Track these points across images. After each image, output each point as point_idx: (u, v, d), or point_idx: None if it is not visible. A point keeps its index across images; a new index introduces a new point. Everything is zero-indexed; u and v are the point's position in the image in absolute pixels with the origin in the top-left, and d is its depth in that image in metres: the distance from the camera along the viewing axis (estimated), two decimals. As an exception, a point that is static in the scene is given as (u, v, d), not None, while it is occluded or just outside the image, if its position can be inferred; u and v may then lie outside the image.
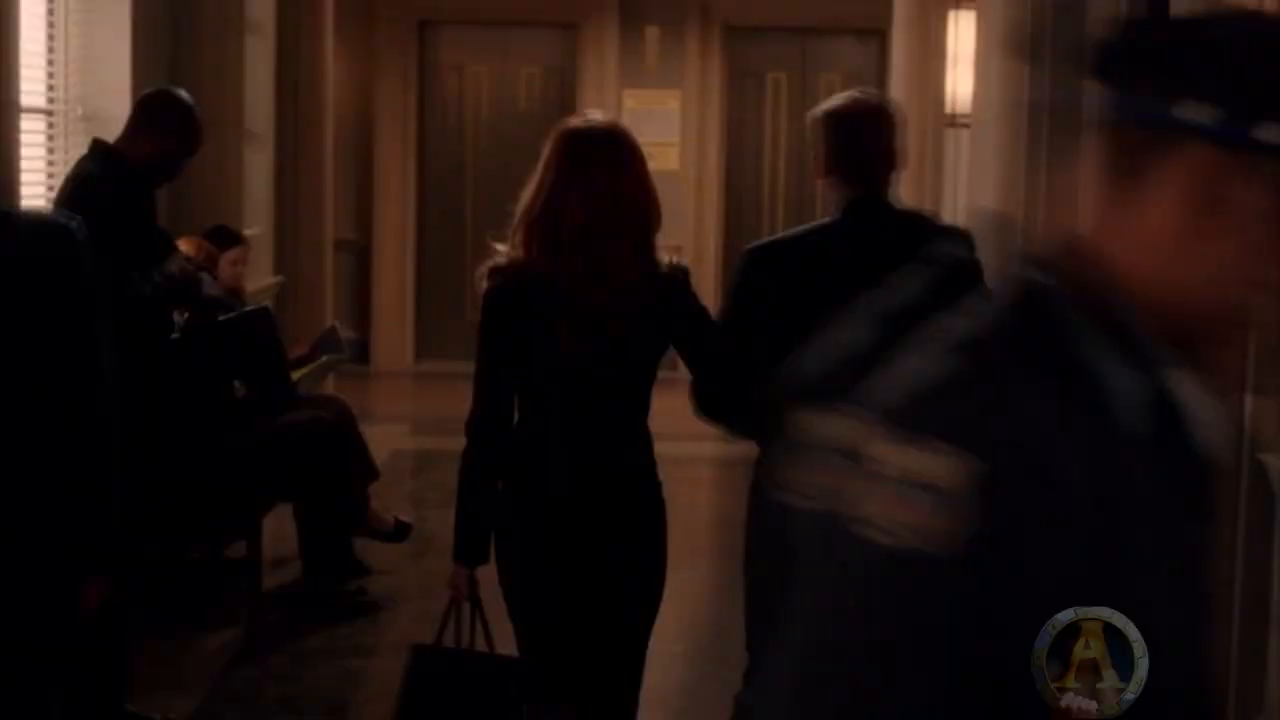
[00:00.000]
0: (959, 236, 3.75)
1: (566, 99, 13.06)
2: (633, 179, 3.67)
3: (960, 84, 8.53)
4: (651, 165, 3.81)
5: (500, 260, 3.67)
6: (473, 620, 3.77)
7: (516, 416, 3.72)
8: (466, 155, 13.25)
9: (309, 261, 9.52)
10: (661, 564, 3.81)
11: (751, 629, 3.79)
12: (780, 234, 4.19)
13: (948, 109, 8.92)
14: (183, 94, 5.71)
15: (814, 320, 1.71)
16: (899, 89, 9.82)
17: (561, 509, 3.66)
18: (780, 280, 3.87)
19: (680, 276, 3.74)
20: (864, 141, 3.88)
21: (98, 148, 5.38)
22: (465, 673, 3.77)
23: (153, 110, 5.47)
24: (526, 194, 3.65)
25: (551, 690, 3.75)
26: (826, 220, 3.96)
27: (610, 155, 3.66)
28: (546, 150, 3.67)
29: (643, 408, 3.76)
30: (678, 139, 12.58)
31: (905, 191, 9.70)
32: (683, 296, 3.73)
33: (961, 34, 8.58)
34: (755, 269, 3.93)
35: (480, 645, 3.78)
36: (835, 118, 3.93)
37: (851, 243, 3.80)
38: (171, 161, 5.44)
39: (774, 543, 1.53)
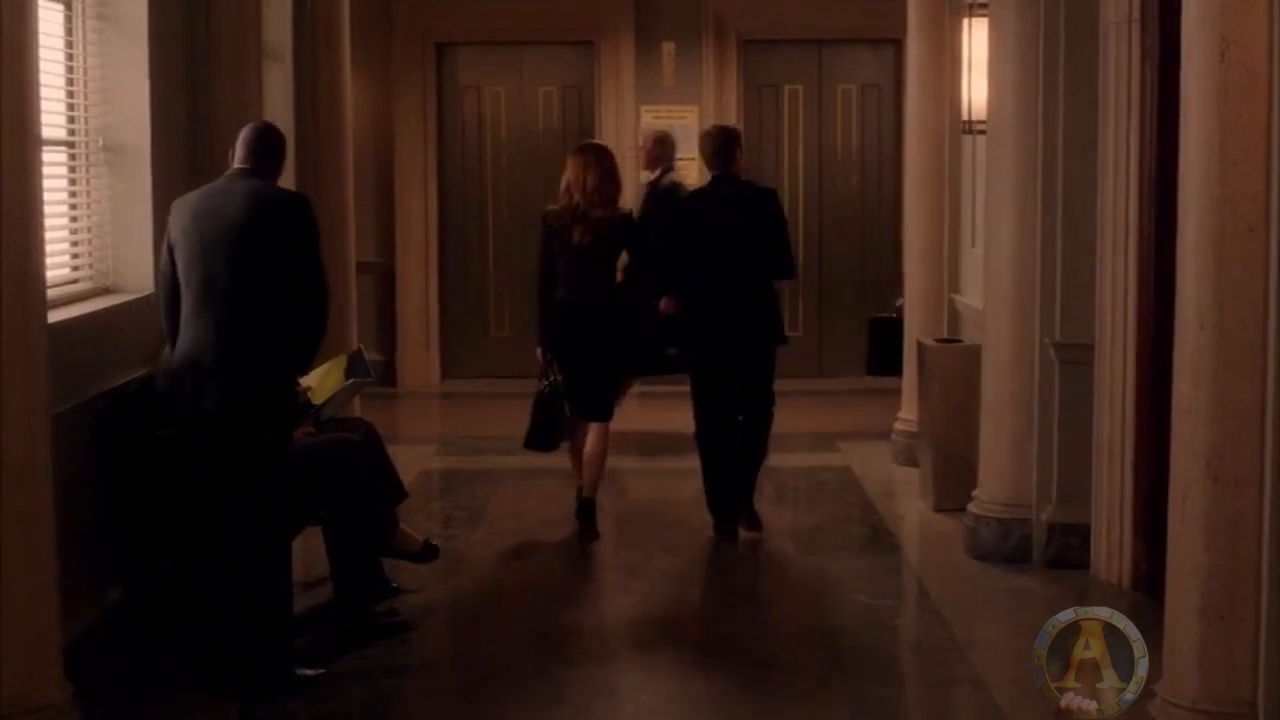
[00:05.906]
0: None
1: (585, 116, 13.11)
2: (608, 168, 8.04)
3: (976, 90, 8.54)
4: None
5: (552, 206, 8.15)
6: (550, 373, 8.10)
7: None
8: (486, 174, 13.30)
9: (332, 285, 9.52)
10: (627, 341, 8.07)
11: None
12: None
13: (964, 115, 8.92)
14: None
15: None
16: (915, 96, 9.84)
17: (576, 314, 7.97)
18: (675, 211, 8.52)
19: (631, 217, 8.17)
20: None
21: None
22: (555, 397, 8.06)
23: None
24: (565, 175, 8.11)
25: (576, 403, 8.06)
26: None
27: (595, 156, 8.09)
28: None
29: (613, 272, 8.02)
30: (696, 153, 12.58)
31: (923, 195, 9.75)
32: (629, 225, 8.10)
33: (976, 41, 8.58)
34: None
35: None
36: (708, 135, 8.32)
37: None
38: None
39: None
